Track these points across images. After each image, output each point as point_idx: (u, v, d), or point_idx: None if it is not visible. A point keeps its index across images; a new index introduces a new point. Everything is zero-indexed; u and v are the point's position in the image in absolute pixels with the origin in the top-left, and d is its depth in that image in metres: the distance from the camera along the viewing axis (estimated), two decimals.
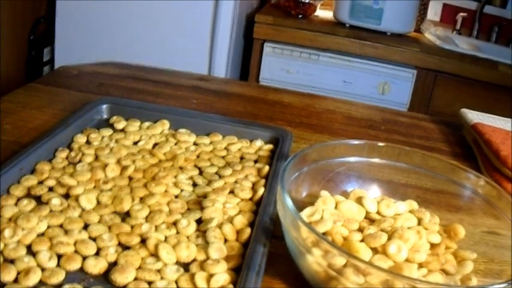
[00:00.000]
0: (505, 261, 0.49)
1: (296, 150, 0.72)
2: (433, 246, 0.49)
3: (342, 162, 0.55)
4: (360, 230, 0.49)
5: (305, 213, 0.48)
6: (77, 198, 0.54)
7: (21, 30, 1.84)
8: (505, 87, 1.68)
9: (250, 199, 0.57)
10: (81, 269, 0.45)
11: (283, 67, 1.87)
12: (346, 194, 0.54)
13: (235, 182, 0.60)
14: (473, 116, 0.87)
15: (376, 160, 0.56)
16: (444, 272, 0.47)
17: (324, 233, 0.46)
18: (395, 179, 0.58)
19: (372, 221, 0.51)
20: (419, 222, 0.52)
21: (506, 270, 0.48)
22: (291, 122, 0.83)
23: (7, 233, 0.47)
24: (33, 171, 0.58)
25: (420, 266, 0.45)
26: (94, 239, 0.48)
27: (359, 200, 0.52)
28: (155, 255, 0.47)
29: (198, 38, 1.77)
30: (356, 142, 0.56)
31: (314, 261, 0.39)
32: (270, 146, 0.70)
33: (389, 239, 0.46)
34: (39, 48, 1.90)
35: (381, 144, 0.56)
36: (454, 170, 0.55)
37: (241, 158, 0.67)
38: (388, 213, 0.51)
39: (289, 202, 0.41)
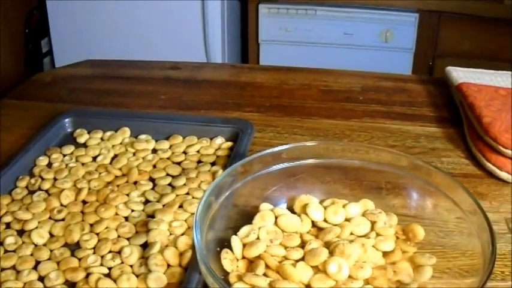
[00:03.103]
0: (476, 253, 0.45)
1: (261, 142, 0.71)
2: (386, 254, 0.47)
3: (287, 167, 0.52)
4: (303, 245, 0.46)
5: (240, 234, 0.46)
6: (30, 234, 0.54)
7: (16, 25, 1.83)
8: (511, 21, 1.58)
9: None
10: None
11: (281, 26, 1.81)
12: (293, 201, 0.52)
13: (187, 193, 0.59)
14: (459, 75, 0.81)
15: (326, 160, 0.53)
16: (399, 282, 0.45)
17: (257, 257, 0.44)
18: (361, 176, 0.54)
19: (319, 230, 0.49)
20: (373, 226, 0.49)
21: (477, 265, 0.45)
22: (260, 106, 0.80)
23: None
24: None
25: (366, 282, 0.43)
26: (43, 278, 0.49)
27: (303, 209, 0.50)
28: None
29: (189, 5, 1.72)
30: (283, 148, 0.52)
31: None
32: (228, 144, 0.68)
33: (331, 253, 0.44)
34: (36, 41, 1.90)
35: (309, 144, 0.52)
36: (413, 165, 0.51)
37: (199, 162, 0.65)
38: (335, 220, 0.49)
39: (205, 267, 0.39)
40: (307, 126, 0.75)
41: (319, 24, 1.77)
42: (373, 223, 0.50)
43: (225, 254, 0.44)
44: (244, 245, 0.45)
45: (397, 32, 1.72)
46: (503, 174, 0.63)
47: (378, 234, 0.49)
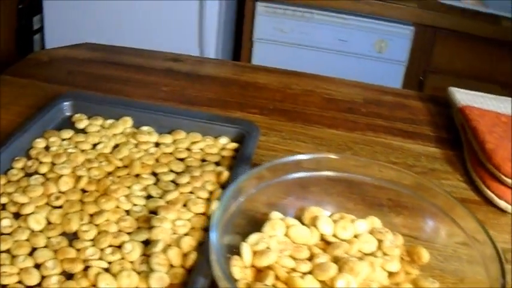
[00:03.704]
0: (478, 280, 0.45)
1: (266, 146, 0.70)
2: (391, 274, 0.46)
3: (297, 177, 0.51)
4: (311, 257, 0.46)
5: (250, 241, 0.45)
6: (26, 218, 0.52)
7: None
8: (507, 43, 1.60)
9: (205, 213, 0.55)
10: None
11: (276, 26, 1.80)
12: (302, 211, 0.51)
13: (191, 192, 0.58)
14: (462, 97, 0.81)
15: (334, 174, 0.53)
16: None
17: (267, 267, 0.43)
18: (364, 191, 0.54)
19: (327, 243, 0.48)
20: (380, 244, 0.49)
21: None
22: (263, 108, 0.80)
23: None
24: None
25: None
26: (39, 265, 0.47)
27: (313, 221, 0.49)
28: (95, 285, 0.45)
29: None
30: (307, 157, 0.51)
31: None
32: (234, 145, 0.67)
33: (340, 269, 0.44)
34: (28, 17, 1.85)
35: (333, 156, 0.52)
36: (418, 185, 0.51)
37: (203, 160, 0.64)
38: (344, 235, 0.48)
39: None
40: (310, 134, 0.74)
41: (315, 28, 1.77)
42: (379, 241, 0.50)
43: (235, 261, 0.43)
44: (254, 253, 0.45)
45: (391, 44, 1.73)
46: (502, 203, 0.63)
47: (384, 254, 0.49)
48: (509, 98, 0.83)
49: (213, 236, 0.39)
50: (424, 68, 1.74)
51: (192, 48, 1.74)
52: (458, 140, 0.76)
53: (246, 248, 0.44)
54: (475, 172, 0.68)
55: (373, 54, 1.76)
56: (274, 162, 0.49)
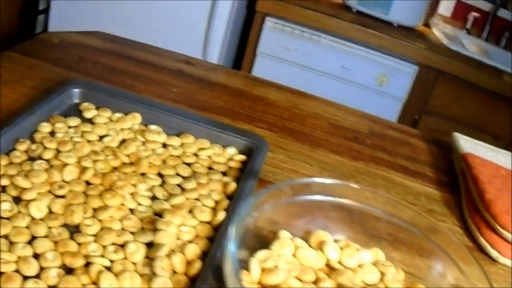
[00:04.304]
0: None
1: (272, 162, 0.70)
2: None
3: (309, 200, 0.51)
4: (316, 281, 0.46)
5: (258, 257, 0.45)
6: (27, 204, 0.51)
7: None
8: (506, 98, 1.63)
9: (209, 222, 0.54)
10: None
11: (282, 44, 1.81)
12: (309, 234, 0.51)
13: (197, 198, 0.57)
14: (465, 144, 0.82)
15: (345, 201, 0.53)
16: None
17: (274, 286, 0.43)
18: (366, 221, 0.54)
19: (331, 269, 0.48)
20: (382, 277, 0.49)
21: None
22: (272, 125, 0.80)
23: None
24: None
25: None
26: (38, 255, 0.46)
27: (320, 245, 0.49)
28: (97, 283, 0.44)
29: (199, 3, 1.70)
30: (329, 181, 0.52)
31: None
32: (242, 157, 0.66)
33: None
34: None
35: (354, 185, 0.52)
36: (429, 225, 0.51)
37: (209, 168, 0.64)
38: (349, 263, 0.48)
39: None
40: (315, 158, 0.74)
41: (320, 52, 1.78)
42: (382, 274, 0.50)
43: (244, 276, 0.42)
44: (261, 270, 0.44)
45: (393, 79, 1.75)
46: (494, 253, 0.64)
47: (385, 287, 0.49)
48: (509, 152, 0.85)
49: (232, 248, 0.39)
50: (420, 108, 1.76)
51: (196, 49, 1.74)
52: (457, 184, 0.77)
53: (255, 264, 0.43)
54: (471, 218, 0.69)
55: (373, 86, 1.77)
56: (295, 181, 0.49)
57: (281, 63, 1.83)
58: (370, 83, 1.77)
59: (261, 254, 0.46)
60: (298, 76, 1.82)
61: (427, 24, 1.94)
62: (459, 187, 0.76)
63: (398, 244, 0.55)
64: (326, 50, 1.77)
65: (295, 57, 1.81)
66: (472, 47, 1.88)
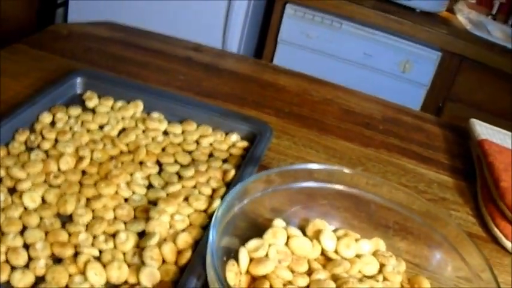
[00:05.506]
0: None
1: (277, 149, 0.68)
2: None
3: (306, 187, 0.49)
4: (310, 272, 0.44)
5: (249, 247, 0.43)
6: (22, 195, 0.50)
7: None
8: None
9: (205, 211, 0.52)
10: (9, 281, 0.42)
11: (303, 31, 1.78)
12: (306, 222, 0.49)
13: (194, 186, 0.56)
14: (482, 130, 0.78)
15: (344, 188, 0.50)
16: None
17: (263, 276, 0.41)
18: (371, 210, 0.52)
19: (327, 259, 0.46)
20: (381, 268, 0.47)
21: None
22: (279, 111, 0.78)
23: None
24: None
25: None
26: (28, 246, 0.45)
27: (316, 234, 0.47)
28: (83, 273, 0.43)
29: None
30: (319, 167, 0.49)
31: None
32: (244, 144, 0.65)
33: None
34: None
35: (347, 171, 0.50)
36: (428, 212, 0.49)
37: (211, 155, 0.62)
38: (347, 254, 0.46)
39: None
40: (323, 144, 0.72)
41: (341, 38, 1.74)
42: (381, 265, 0.48)
43: (231, 267, 0.41)
44: (251, 259, 0.42)
45: (416, 65, 1.70)
46: (508, 244, 0.61)
47: (385, 279, 0.47)
48: None
49: (212, 236, 0.37)
50: (444, 95, 1.70)
51: (215, 40, 1.72)
52: (473, 172, 0.74)
53: (243, 255, 0.42)
54: (485, 208, 0.66)
55: (396, 73, 1.73)
56: (284, 168, 0.47)
57: (302, 51, 1.80)
58: (393, 70, 1.72)
59: (252, 243, 0.44)
60: (319, 63, 1.79)
61: (450, 10, 1.88)
62: (475, 175, 0.73)
63: (406, 234, 0.53)
64: (347, 37, 1.74)
65: (316, 45, 1.78)
66: (497, 32, 1.82)
